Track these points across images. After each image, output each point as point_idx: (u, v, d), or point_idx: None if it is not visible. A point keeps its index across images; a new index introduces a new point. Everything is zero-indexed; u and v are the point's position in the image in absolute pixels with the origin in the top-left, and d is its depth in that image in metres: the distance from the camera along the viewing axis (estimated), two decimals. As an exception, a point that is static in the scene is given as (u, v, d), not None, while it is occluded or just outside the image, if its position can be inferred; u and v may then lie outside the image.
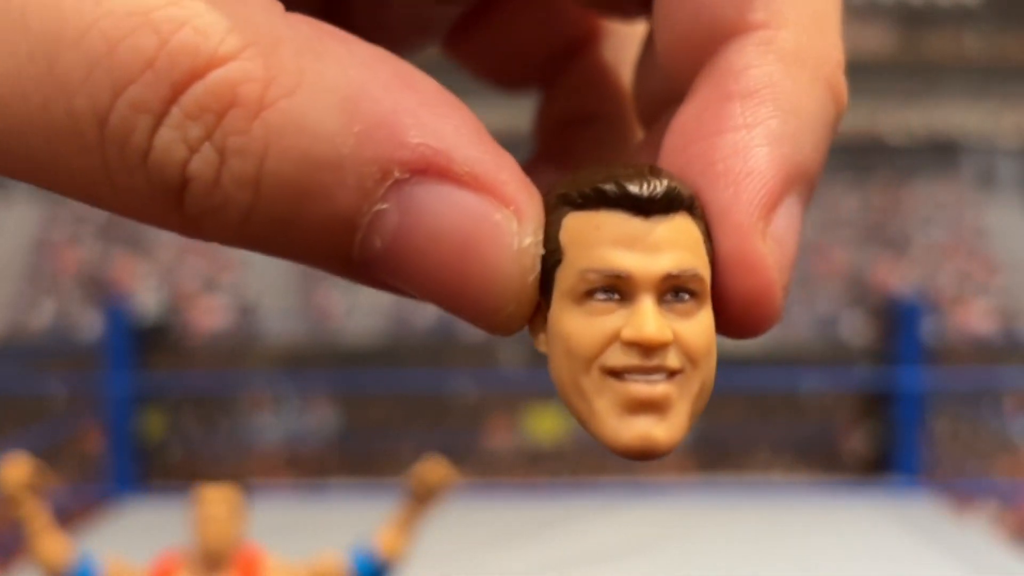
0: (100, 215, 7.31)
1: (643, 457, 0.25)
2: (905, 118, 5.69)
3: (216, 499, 1.71)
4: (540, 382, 4.68)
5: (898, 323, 4.64)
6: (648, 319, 0.25)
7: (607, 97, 0.34)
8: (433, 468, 1.82)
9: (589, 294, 0.25)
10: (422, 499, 1.81)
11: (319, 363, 5.10)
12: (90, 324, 5.24)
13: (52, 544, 1.70)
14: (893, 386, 4.55)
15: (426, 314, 5.95)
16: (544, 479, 4.80)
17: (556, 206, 0.26)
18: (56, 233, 7.46)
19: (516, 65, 0.35)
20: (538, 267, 0.25)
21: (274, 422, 5.22)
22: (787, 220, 0.26)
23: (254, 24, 0.22)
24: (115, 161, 0.22)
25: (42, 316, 6.49)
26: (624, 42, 0.34)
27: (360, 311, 6.19)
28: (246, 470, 4.55)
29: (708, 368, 0.26)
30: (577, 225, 0.25)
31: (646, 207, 0.25)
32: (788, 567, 3.40)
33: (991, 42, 5.73)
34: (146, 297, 5.87)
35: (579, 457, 4.92)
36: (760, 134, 0.26)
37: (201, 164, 0.22)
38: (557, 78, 0.34)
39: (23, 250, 7.33)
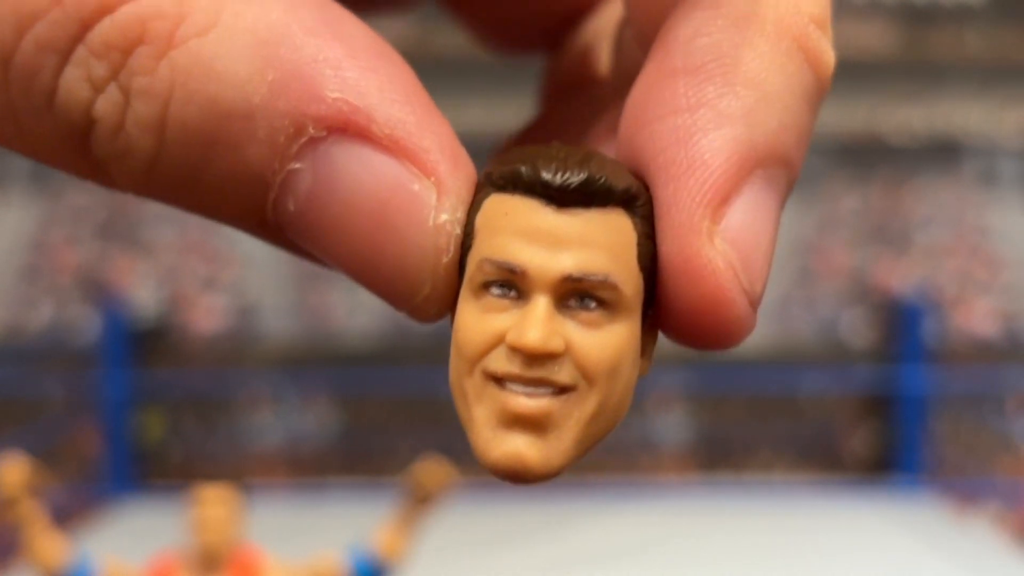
0: (99, 215, 7.31)
1: (511, 479, 0.22)
2: (907, 117, 5.68)
3: (214, 500, 1.70)
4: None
5: (900, 323, 4.63)
6: (534, 324, 0.22)
7: (611, 61, 0.30)
8: (431, 469, 1.81)
9: (485, 287, 0.22)
10: (421, 500, 1.80)
11: (319, 363, 5.09)
12: (88, 324, 5.22)
13: (49, 545, 1.69)
14: (895, 386, 4.54)
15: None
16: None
17: (483, 185, 0.23)
18: (54, 233, 7.45)
19: (519, 28, 0.32)
20: (453, 248, 0.22)
21: (273, 422, 5.20)
22: (749, 213, 0.22)
23: None
24: (20, 102, 0.20)
25: (39, 316, 6.47)
26: None
27: (360, 311, 6.19)
28: (245, 470, 4.54)
29: (610, 389, 0.22)
30: (492, 209, 0.22)
31: (559, 197, 0.22)
32: (789, 567, 3.39)
33: (994, 41, 5.72)
34: (144, 297, 5.86)
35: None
36: (705, 116, 0.22)
37: (106, 105, 0.20)
38: (561, 42, 0.32)
39: (20, 250, 7.32)
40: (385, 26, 0.29)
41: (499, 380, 0.22)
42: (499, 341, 0.22)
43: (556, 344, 0.22)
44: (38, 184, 6.98)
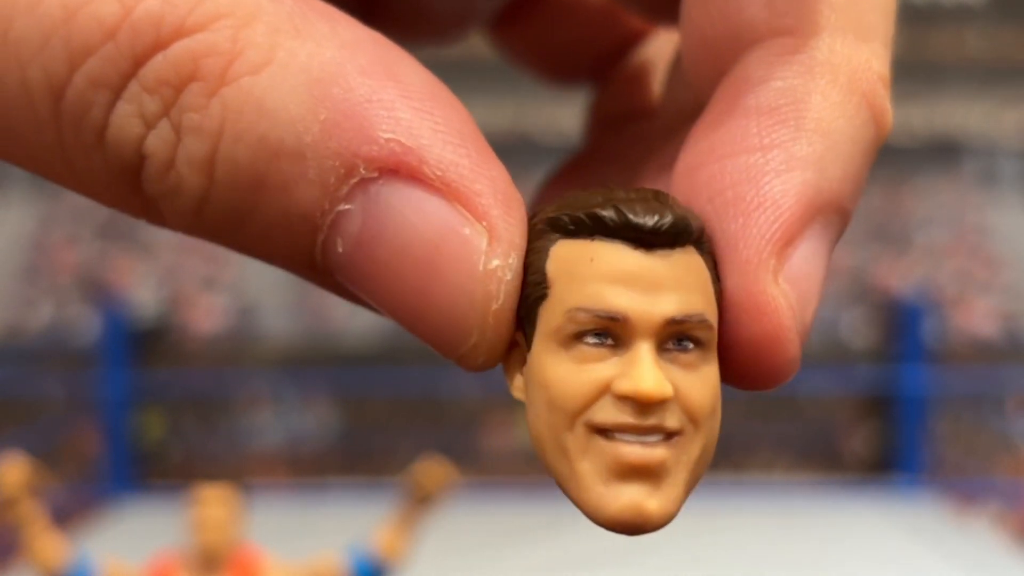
0: (99, 215, 7.30)
1: (631, 532, 0.22)
2: (907, 117, 5.68)
3: (214, 500, 1.70)
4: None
5: (900, 323, 4.63)
6: (647, 370, 0.21)
7: (663, 93, 0.30)
8: (431, 469, 1.81)
9: (578, 337, 0.21)
10: (421, 500, 1.80)
11: (318, 363, 5.09)
12: (88, 324, 5.22)
13: (49, 545, 1.69)
14: (895, 386, 4.54)
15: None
16: (544, 479, 4.78)
17: (544, 232, 0.22)
18: (54, 233, 7.44)
19: (566, 59, 0.32)
20: (504, 295, 0.21)
21: (273, 422, 5.20)
22: (808, 258, 0.22)
23: None
24: (70, 139, 0.20)
25: (39, 316, 6.48)
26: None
27: (360, 311, 6.19)
28: (244, 470, 4.54)
29: (711, 430, 0.22)
30: (567, 255, 0.22)
31: (649, 239, 0.22)
32: (789, 567, 3.39)
33: (994, 41, 5.72)
34: (144, 297, 5.86)
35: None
36: (777, 157, 0.22)
37: (157, 142, 0.20)
38: (609, 73, 0.32)
39: (20, 250, 7.31)
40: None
41: (604, 432, 0.22)
42: (603, 392, 0.21)
43: (668, 389, 0.21)
44: (38, 184, 6.99)
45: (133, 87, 0.20)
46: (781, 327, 0.22)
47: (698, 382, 0.22)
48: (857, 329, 5.32)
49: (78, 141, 0.20)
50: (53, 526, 1.75)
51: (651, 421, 0.21)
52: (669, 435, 0.22)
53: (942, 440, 4.75)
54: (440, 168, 0.20)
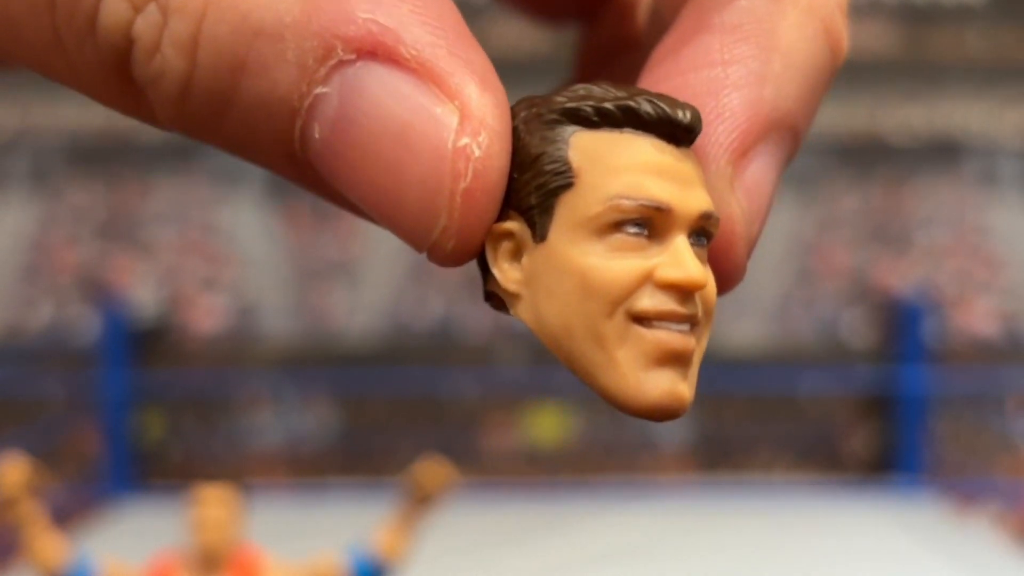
0: (99, 214, 7.30)
1: (667, 416, 0.22)
2: (907, 117, 5.68)
3: (214, 500, 1.70)
4: (540, 382, 4.67)
5: (900, 323, 4.63)
6: (692, 259, 0.22)
7: (648, 25, 0.31)
8: (431, 469, 1.81)
9: (617, 226, 0.22)
10: (421, 500, 1.80)
11: (319, 363, 5.08)
12: (88, 324, 5.22)
13: (49, 545, 1.69)
14: (895, 386, 4.54)
15: (426, 315, 5.94)
16: (544, 479, 4.79)
17: (556, 122, 0.22)
18: (54, 233, 7.44)
19: None
20: (474, 174, 0.21)
21: (273, 422, 5.20)
22: (761, 169, 0.23)
23: None
24: (64, 27, 0.20)
25: (39, 316, 6.47)
26: None
27: (360, 311, 6.18)
28: (245, 470, 4.54)
29: (711, 323, 0.23)
30: (596, 146, 0.22)
31: (681, 134, 0.22)
32: (789, 567, 3.38)
33: (994, 41, 5.72)
34: (144, 297, 5.86)
35: (579, 457, 4.91)
36: (737, 73, 0.23)
37: (144, 24, 0.20)
38: (597, 9, 0.32)
39: (20, 250, 7.32)
40: None
41: (643, 320, 0.22)
42: (645, 280, 0.22)
43: (709, 278, 0.22)
44: (38, 184, 6.98)
45: None
46: (734, 233, 0.23)
47: (709, 276, 0.23)
48: (857, 329, 5.32)
49: (71, 29, 0.20)
50: (53, 526, 1.74)
51: (690, 309, 0.22)
52: (694, 324, 0.22)
53: (942, 440, 4.75)
54: (416, 48, 0.20)
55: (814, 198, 6.04)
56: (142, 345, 4.63)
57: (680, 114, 0.22)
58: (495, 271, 0.23)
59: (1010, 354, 5.13)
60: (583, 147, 0.22)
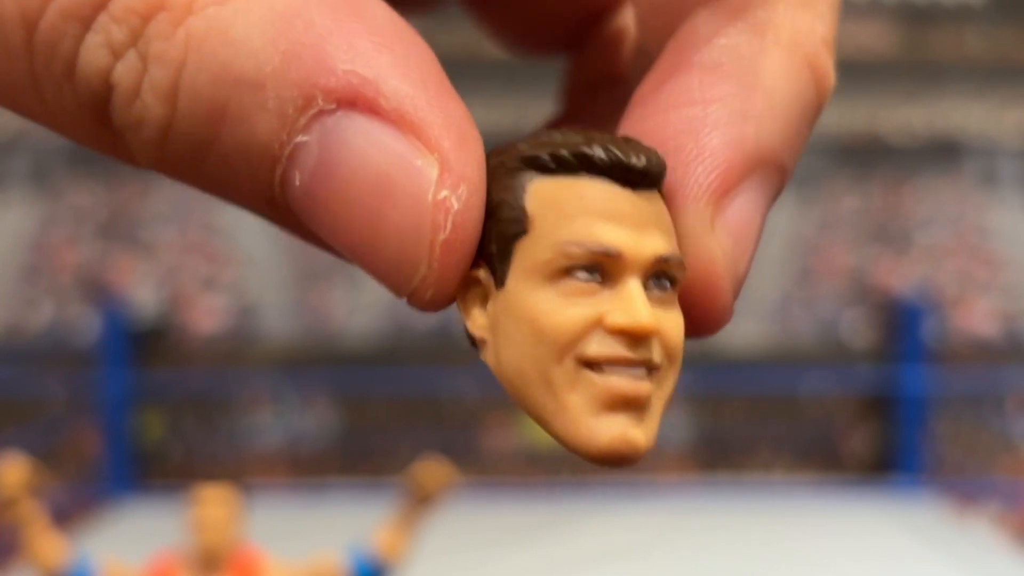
0: (99, 214, 7.30)
1: (619, 462, 0.22)
2: (907, 117, 5.68)
3: (214, 500, 1.70)
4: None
5: (900, 323, 4.63)
6: (641, 305, 0.22)
7: (634, 59, 0.31)
8: (431, 469, 1.81)
9: (567, 272, 0.22)
10: (421, 500, 1.80)
11: (319, 363, 5.09)
12: (88, 324, 5.22)
13: (49, 545, 1.69)
14: (895, 386, 4.54)
15: (426, 316, 5.94)
16: (544, 479, 4.79)
17: (517, 170, 0.22)
18: (54, 233, 7.44)
19: (541, 29, 0.32)
20: (453, 226, 0.21)
21: (273, 422, 5.20)
22: (745, 210, 0.23)
23: None
24: (42, 71, 0.20)
25: (39, 316, 6.48)
26: None
27: (360, 311, 6.18)
28: (244, 470, 4.54)
29: (679, 367, 0.23)
30: (551, 192, 0.22)
31: (636, 179, 0.22)
32: (789, 567, 3.38)
33: (994, 41, 5.72)
34: (144, 297, 5.86)
35: (579, 457, 4.91)
36: (718, 111, 0.23)
37: (124, 71, 0.20)
38: (583, 42, 0.32)
39: (20, 250, 7.31)
40: None
41: (593, 365, 0.22)
42: (594, 326, 0.22)
43: (659, 323, 0.22)
44: (38, 184, 6.98)
45: (102, 18, 0.20)
46: (715, 275, 0.23)
47: (673, 319, 0.23)
48: (857, 329, 5.32)
49: (49, 72, 0.20)
50: (53, 526, 1.74)
51: (641, 354, 0.22)
52: (651, 369, 0.22)
53: (942, 440, 4.75)
54: (396, 100, 0.21)
55: (814, 198, 6.04)
56: (142, 345, 4.63)
57: (634, 159, 0.22)
58: (465, 317, 0.23)
59: (1010, 354, 5.13)
60: (540, 194, 0.22)
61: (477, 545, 3.50)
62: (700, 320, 0.24)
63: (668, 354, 0.22)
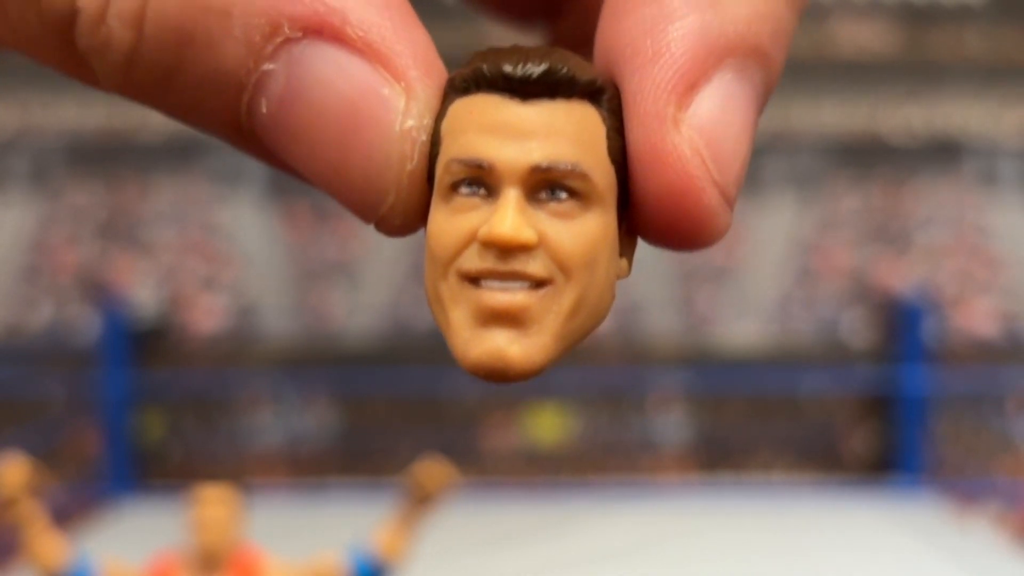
0: (99, 214, 7.30)
1: (492, 378, 0.21)
2: (907, 117, 5.68)
3: (214, 499, 1.70)
4: (540, 382, 4.67)
5: (900, 323, 4.63)
6: (504, 216, 0.21)
7: None
8: (431, 469, 1.81)
9: (454, 188, 0.22)
10: (421, 500, 1.80)
11: (319, 363, 5.08)
12: (88, 324, 5.22)
13: (49, 545, 1.69)
14: (895, 386, 4.54)
15: (426, 315, 5.94)
16: (544, 479, 4.79)
17: (447, 94, 0.22)
18: (54, 233, 7.44)
19: None
20: (419, 156, 0.21)
21: (273, 422, 5.20)
22: (718, 103, 0.22)
23: None
24: None
25: (39, 316, 6.47)
26: None
27: (360, 311, 6.18)
28: (244, 470, 4.54)
29: (589, 282, 0.22)
30: (456, 112, 0.22)
31: (521, 89, 0.22)
32: (789, 567, 3.38)
33: (994, 41, 5.72)
34: (144, 297, 5.85)
35: (579, 457, 4.91)
36: (672, 5, 0.22)
37: None
38: (561, 10, 0.32)
39: (20, 250, 7.31)
40: None
41: (474, 280, 0.22)
42: (472, 239, 0.22)
43: (528, 235, 0.21)
44: (38, 184, 6.98)
45: None
46: (686, 174, 0.21)
47: (571, 231, 0.22)
48: (857, 329, 5.32)
49: None
50: (53, 526, 1.74)
51: (512, 266, 0.21)
52: (538, 284, 0.22)
53: (942, 440, 4.75)
54: (362, 29, 0.21)
55: (814, 198, 6.04)
56: (142, 345, 4.63)
57: (515, 69, 0.22)
58: None
59: (1010, 354, 5.13)
60: (451, 115, 0.22)
61: (477, 545, 3.50)
62: (684, 225, 0.22)
63: (561, 267, 0.22)
